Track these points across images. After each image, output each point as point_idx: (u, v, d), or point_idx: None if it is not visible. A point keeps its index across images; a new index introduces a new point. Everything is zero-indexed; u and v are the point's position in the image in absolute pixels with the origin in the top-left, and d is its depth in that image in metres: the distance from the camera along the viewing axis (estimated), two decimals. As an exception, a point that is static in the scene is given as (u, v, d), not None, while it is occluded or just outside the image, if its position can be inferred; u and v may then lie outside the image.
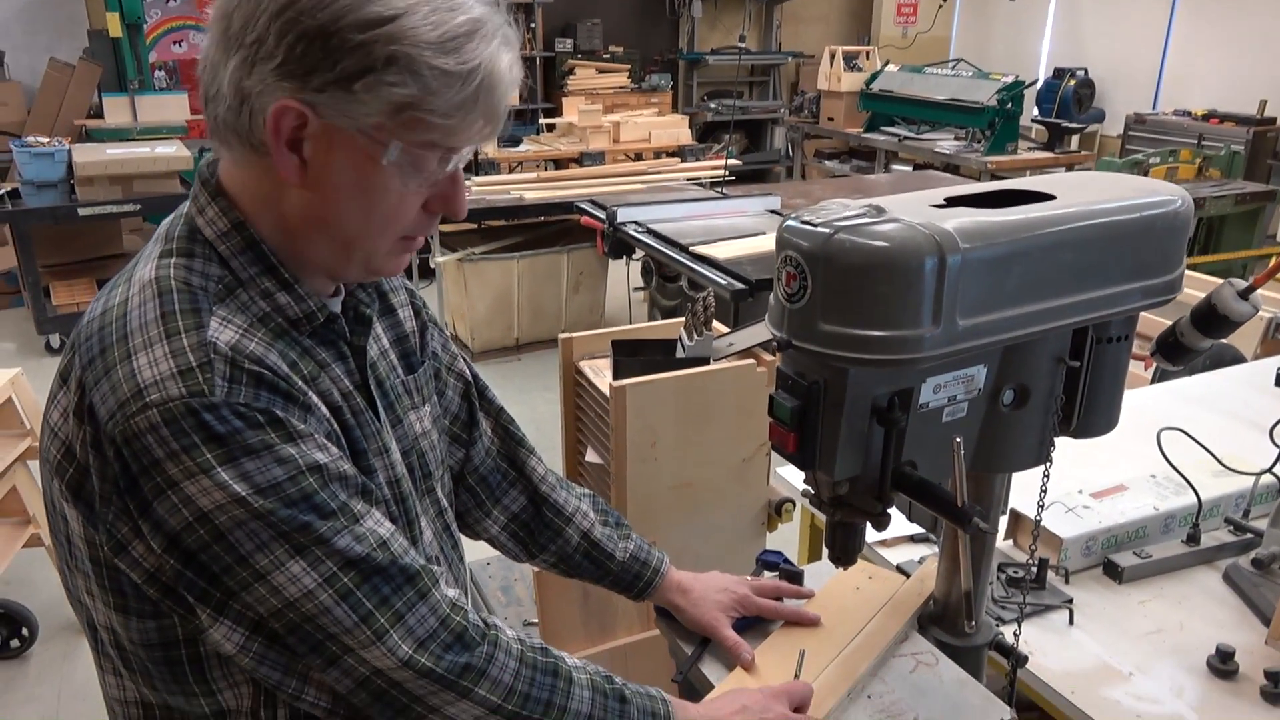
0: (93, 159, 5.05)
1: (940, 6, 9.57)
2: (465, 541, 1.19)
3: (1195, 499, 1.63)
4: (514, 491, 1.21)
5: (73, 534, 0.85)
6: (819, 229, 0.89)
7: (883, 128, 7.34)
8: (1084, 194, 1.00)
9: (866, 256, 0.87)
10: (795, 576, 1.29)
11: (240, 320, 0.85)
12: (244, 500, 0.78)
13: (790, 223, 0.92)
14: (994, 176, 6.31)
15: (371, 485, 0.90)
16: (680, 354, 1.78)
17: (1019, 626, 1.22)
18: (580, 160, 6.21)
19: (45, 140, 5.23)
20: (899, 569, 1.46)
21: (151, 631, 0.86)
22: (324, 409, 0.88)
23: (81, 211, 5.05)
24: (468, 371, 1.19)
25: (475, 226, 5.42)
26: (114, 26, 6.08)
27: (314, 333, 0.91)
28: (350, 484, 0.86)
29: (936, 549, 1.41)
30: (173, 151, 5.27)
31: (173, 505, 0.78)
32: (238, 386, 0.80)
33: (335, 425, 0.89)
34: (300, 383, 0.86)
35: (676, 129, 6.60)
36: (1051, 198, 0.98)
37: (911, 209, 0.92)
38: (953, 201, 0.97)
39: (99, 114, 6.28)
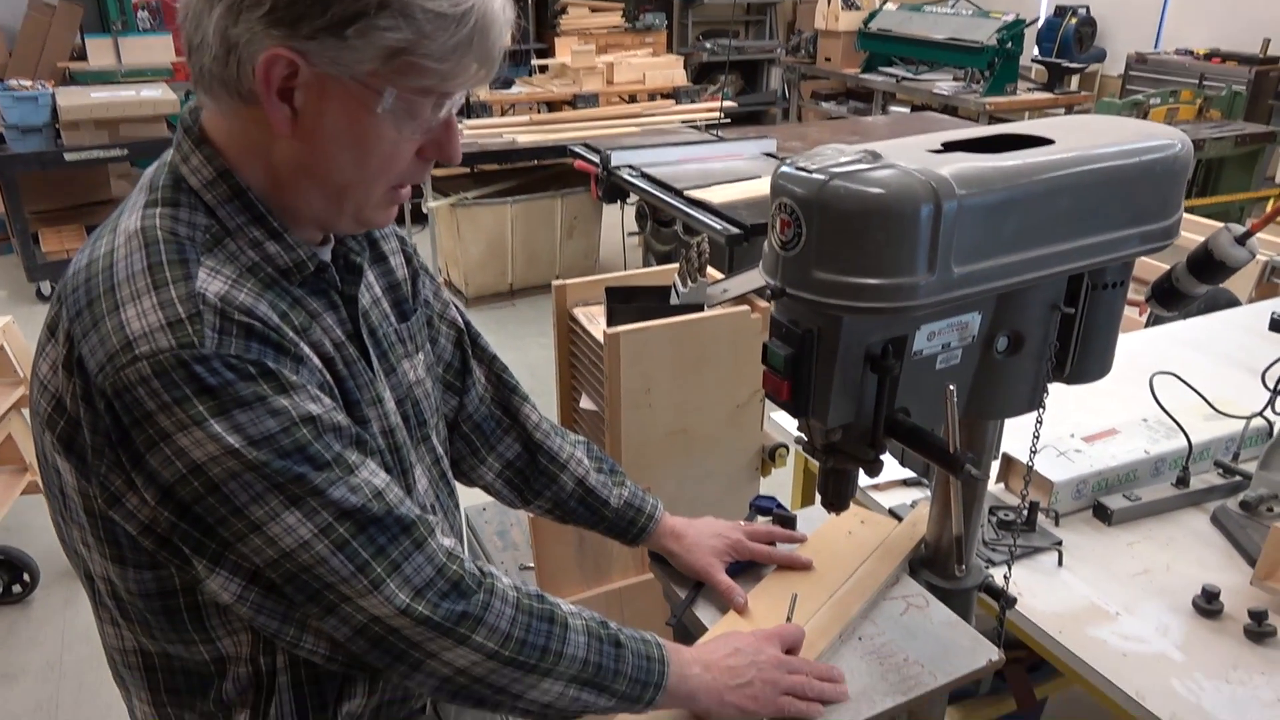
0: (77, 102, 4.96)
1: (941, -58, 9.36)
2: (460, 488, 1.20)
3: (1186, 442, 1.64)
4: (508, 439, 1.22)
5: (66, 486, 0.86)
6: (814, 175, 0.88)
7: (880, 68, 7.24)
8: (1083, 138, 0.99)
9: (862, 203, 0.86)
10: (788, 521, 1.30)
11: (229, 270, 0.84)
12: (237, 452, 0.78)
13: (785, 169, 0.91)
14: (992, 118, 6.24)
15: (366, 436, 0.90)
16: (675, 300, 1.77)
17: (1009, 569, 1.24)
18: (574, 102, 6.12)
19: (28, 84, 5.14)
20: (891, 513, 1.48)
21: (149, 582, 0.87)
22: (316, 360, 0.88)
23: (68, 156, 4.97)
24: (460, 319, 1.19)
25: (468, 171, 5.36)
26: (95, -35, 5.93)
27: (304, 282, 0.90)
28: (344, 435, 0.86)
29: (928, 493, 1.42)
30: (159, 95, 5.18)
31: (165, 458, 0.78)
32: (228, 338, 0.79)
33: (328, 376, 0.89)
34: (291, 334, 0.85)
35: (671, 70, 6.49)
36: (1050, 142, 0.97)
37: (908, 154, 0.90)
38: (950, 146, 0.96)
39: (82, 56, 6.16)
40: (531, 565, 1.76)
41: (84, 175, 5.50)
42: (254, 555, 0.82)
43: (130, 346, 0.77)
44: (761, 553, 1.22)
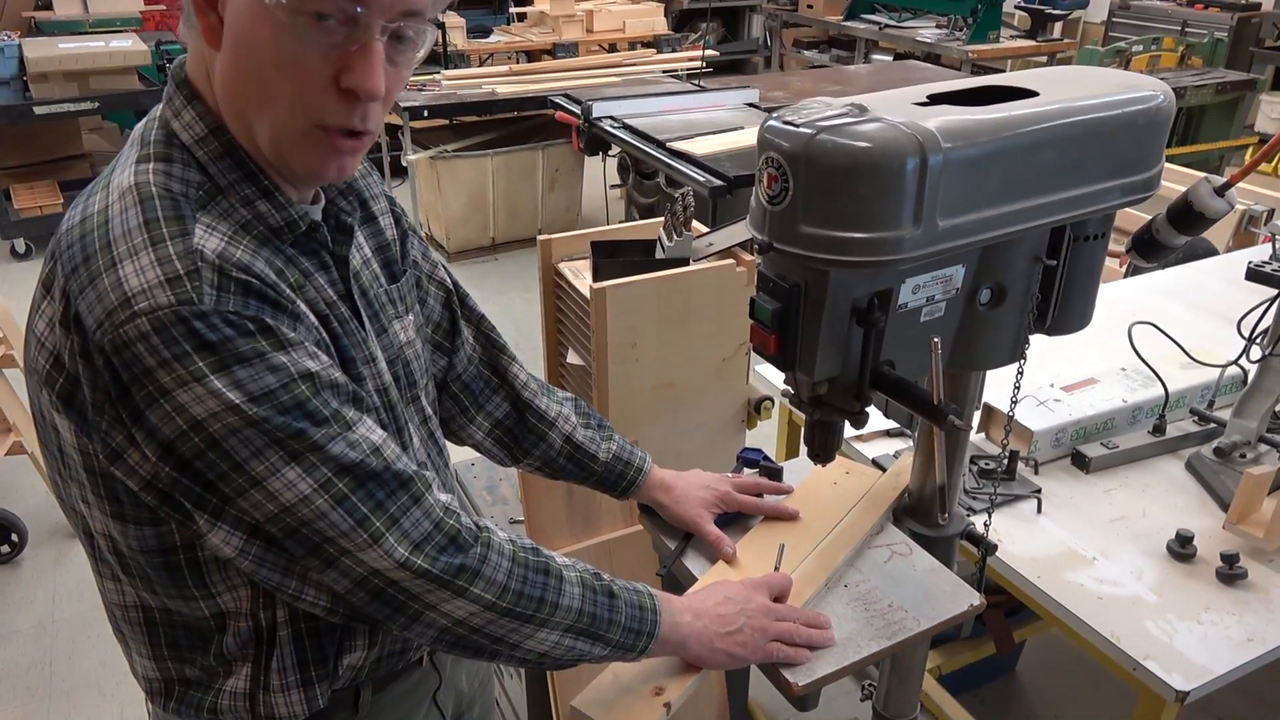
0: (45, 54, 4.84)
1: (924, -115, 9.20)
2: (450, 445, 1.21)
3: (1163, 391, 1.68)
4: (497, 398, 1.22)
5: (65, 444, 0.86)
6: (801, 129, 0.88)
7: (863, 15, 7.16)
8: (1066, 90, 0.99)
9: (849, 157, 0.86)
10: (775, 473, 1.32)
11: (224, 227, 0.83)
12: (237, 408, 0.79)
13: (772, 123, 0.91)
14: (975, 66, 6.20)
15: (362, 393, 0.90)
16: (660, 254, 1.77)
17: (989, 516, 1.26)
18: (553, 52, 6.03)
19: (-7, 35, 5.00)
20: (875, 463, 1.50)
21: (149, 538, 0.88)
22: (312, 317, 0.88)
23: (37, 110, 4.86)
24: (448, 279, 1.19)
25: (447, 123, 5.29)
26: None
27: (296, 242, 0.90)
28: (341, 391, 0.86)
29: (911, 444, 1.44)
30: (129, 46, 5.05)
31: (166, 413, 0.78)
32: (226, 294, 0.79)
33: (324, 333, 0.89)
34: (288, 290, 0.85)
35: (652, 17, 6.39)
36: (1034, 94, 0.97)
37: (894, 108, 0.90)
38: (935, 99, 0.96)
39: (47, 5, 5.99)
40: (521, 519, 1.78)
41: (54, 129, 5.38)
42: (254, 510, 0.83)
43: (129, 303, 0.76)
44: (749, 504, 1.25)
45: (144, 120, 0.89)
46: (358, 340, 0.95)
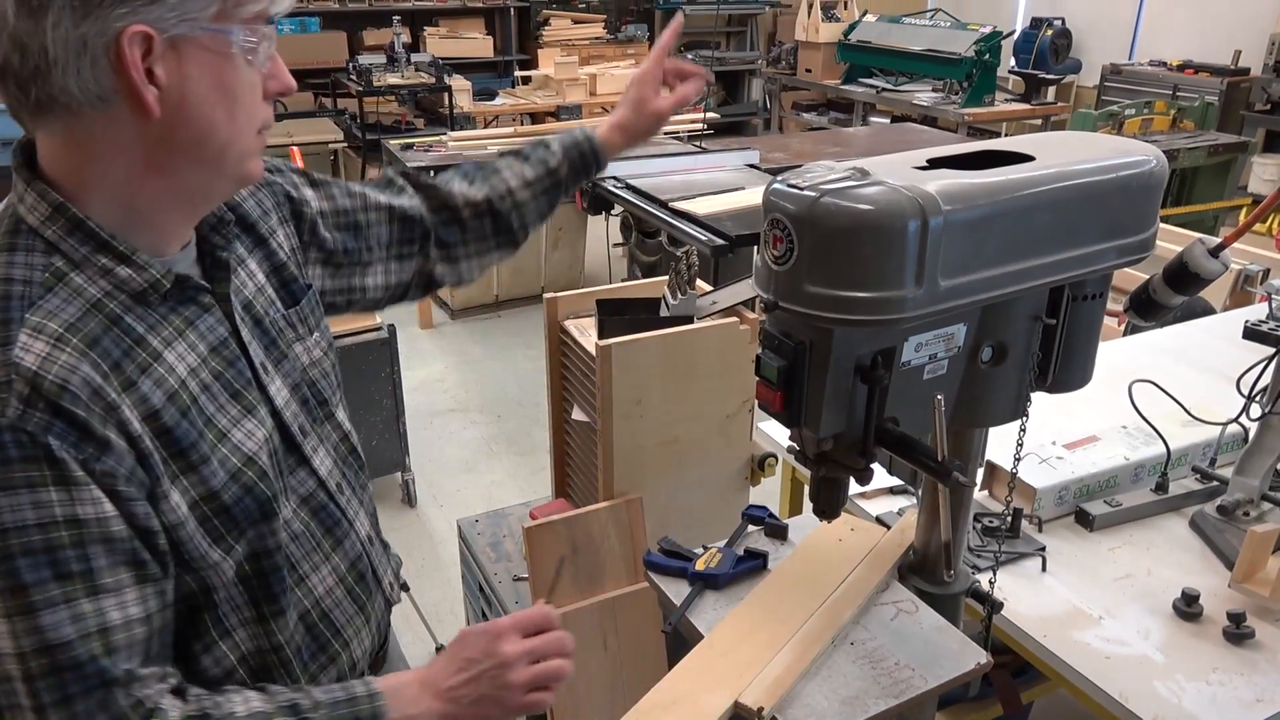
0: None
1: (919, -46, 9.47)
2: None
3: (1164, 449, 1.68)
4: (470, 226, 1.29)
5: None
6: (805, 192, 0.90)
7: (861, 79, 7.31)
8: (1061, 154, 1.02)
9: (852, 219, 0.88)
10: (780, 530, 1.32)
11: (65, 317, 0.82)
12: None
13: (777, 186, 0.94)
14: (971, 129, 6.31)
15: (146, 558, 0.85)
16: (664, 313, 1.80)
17: (994, 574, 1.26)
18: (557, 114, 6.15)
19: None
20: (879, 520, 1.51)
21: None
22: (123, 440, 0.83)
23: None
24: (381, 198, 1.23)
25: (452, 183, 5.36)
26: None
27: (168, 295, 0.89)
28: (117, 549, 0.82)
29: (916, 501, 1.45)
30: None
31: None
32: (32, 411, 0.78)
33: (152, 442, 0.85)
34: (106, 403, 0.81)
35: (654, 81, 6.53)
36: (1030, 159, 1.00)
37: (895, 171, 0.93)
38: (934, 163, 0.99)
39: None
40: (524, 576, 1.78)
41: None
42: None
43: None
44: (657, 53, 1.33)
45: None
46: (238, 389, 0.94)
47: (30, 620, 0.79)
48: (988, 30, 6.40)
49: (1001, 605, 1.26)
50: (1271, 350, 1.56)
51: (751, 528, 1.35)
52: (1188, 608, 1.41)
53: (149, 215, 0.88)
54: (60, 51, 0.78)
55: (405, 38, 6.70)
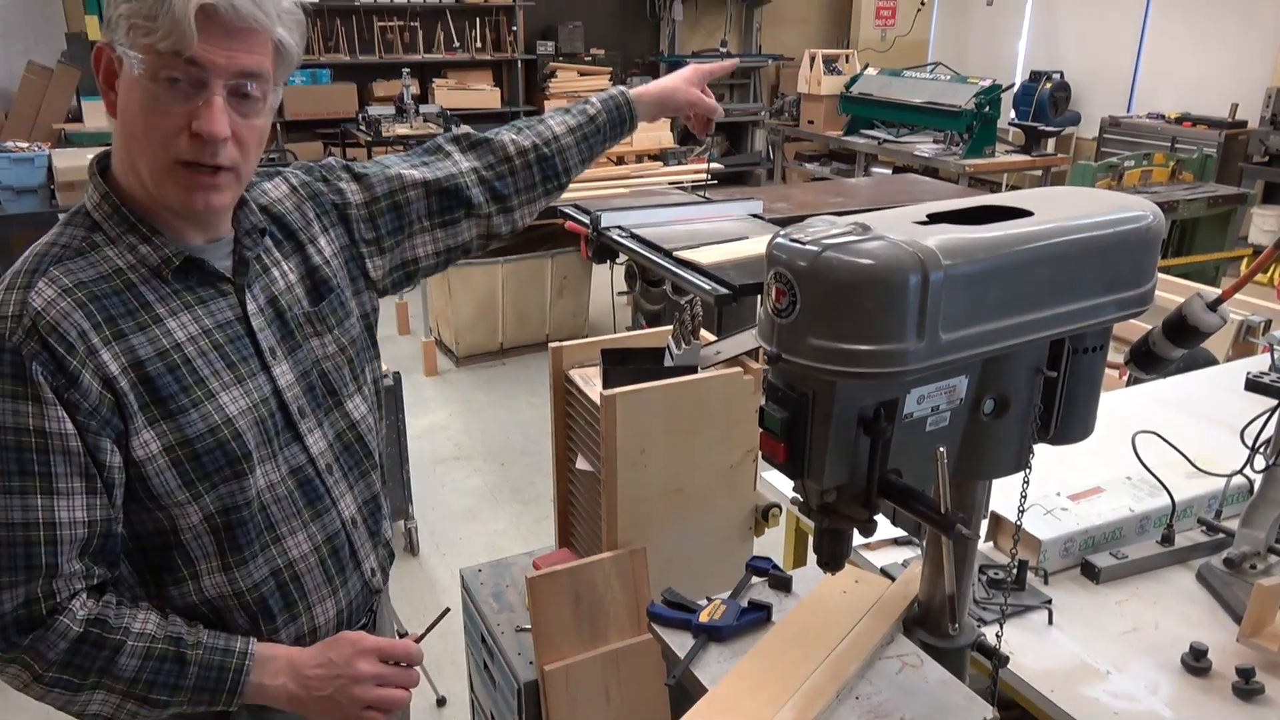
0: (73, 164, 5.02)
1: (919, 10, 9.66)
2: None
3: (1169, 500, 1.68)
4: (526, 178, 1.43)
5: None
6: (808, 247, 0.92)
7: (862, 131, 7.41)
8: (1060, 209, 1.04)
9: (853, 273, 0.90)
10: (784, 582, 1.32)
11: (80, 276, 1.03)
12: None
13: (780, 240, 0.95)
14: (972, 179, 6.38)
15: (97, 473, 1.02)
16: (669, 362, 1.81)
17: (1000, 627, 1.26)
18: (562, 164, 6.21)
19: (24, 145, 5.20)
20: (883, 572, 1.50)
21: None
22: (97, 380, 1.00)
23: (61, 217, 5.01)
24: (416, 175, 1.34)
25: (459, 231, 5.41)
26: (93, 29, 6.05)
27: (182, 272, 1.08)
28: (73, 460, 1.00)
29: (920, 552, 1.44)
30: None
31: None
32: (30, 339, 0.98)
33: (130, 384, 1.03)
34: (86, 348, 1.00)
35: (658, 132, 6.63)
36: (1029, 213, 1.02)
37: (895, 226, 0.95)
38: (934, 218, 1.00)
39: (78, 118, 6.25)
40: (528, 627, 1.77)
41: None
42: None
43: None
44: (717, 68, 1.64)
45: None
46: (234, 360, 1.10)
47: None
48: (987, 83, 6.50)
49: (1008, 659, 1.25)
50: (1274, 402, 1.56)
51: (755, 579, 1.34)
52: (1196, 662, 1.39)
53: (158, 209, 1.07)
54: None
55: (414, 89, 6.83)
